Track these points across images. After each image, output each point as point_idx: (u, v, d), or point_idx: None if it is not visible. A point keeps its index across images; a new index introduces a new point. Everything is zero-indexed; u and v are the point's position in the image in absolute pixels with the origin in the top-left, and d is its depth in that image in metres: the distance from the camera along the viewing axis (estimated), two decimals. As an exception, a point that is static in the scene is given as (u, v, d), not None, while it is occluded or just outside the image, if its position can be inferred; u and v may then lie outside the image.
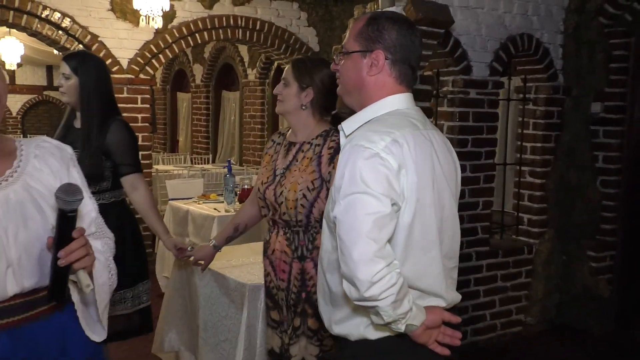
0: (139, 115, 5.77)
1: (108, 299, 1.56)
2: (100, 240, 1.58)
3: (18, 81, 14.00)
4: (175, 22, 6.02)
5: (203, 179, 7.02)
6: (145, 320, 2.93)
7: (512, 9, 4.09)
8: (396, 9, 3.46)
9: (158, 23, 5.70)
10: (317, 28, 6.71)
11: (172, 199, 5.55)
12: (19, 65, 9.97)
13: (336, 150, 2.18)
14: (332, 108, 2.35)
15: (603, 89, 4.31)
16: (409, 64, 1.67)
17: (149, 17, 5.64)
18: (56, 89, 15.55)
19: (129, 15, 5.74)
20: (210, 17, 6.18)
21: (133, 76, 5.76)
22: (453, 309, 1.71)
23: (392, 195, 1.49)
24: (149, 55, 5.88)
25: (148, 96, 5.97)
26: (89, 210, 1.57)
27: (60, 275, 1.36)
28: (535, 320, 4.46)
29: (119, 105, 2.97)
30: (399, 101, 1.66)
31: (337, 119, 2.29)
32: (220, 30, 6.27)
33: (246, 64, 8.67)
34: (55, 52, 6.88)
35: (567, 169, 4.47)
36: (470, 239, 4.08)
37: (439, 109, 4.04)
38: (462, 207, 3.95)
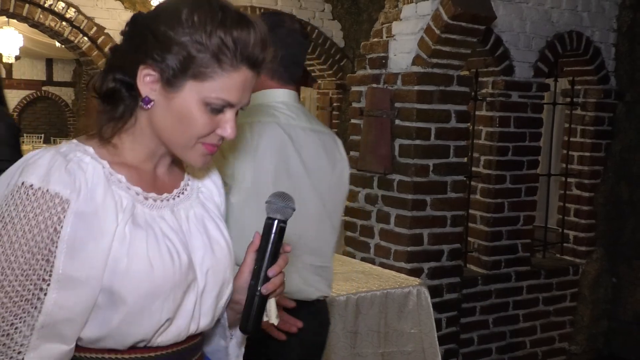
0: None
1: None
2: None
3: (15, 75, 14.25)
4: (188, 14, 6.09)
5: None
6: None
7: (560, 4, 4.09)
8: (432, 3, 3.49)
9: (170, 14, 5.75)
10: (342, 21, 6.72)
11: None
12: (17, 57, 10.15)
13: None
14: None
15: (660, 93, 4.30)
16: (280, 62, 1.94)
17: (160, 7, 5.71)
18: (56, 84, 15.46)
19: (139, 5, 5.81)
20: (226, 8, 6.23)
21: (141, 72, 5.86)
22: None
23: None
24: (158, 50, 5.96)
25: (156, 94, 6.04)
26: None
27: (263, 301, 1.22)
28: (580, 349, 4.43)
29: None
30: (268, 95, 2.00)
31: None
32: (237, 23, 6.33)
33: (264, 60, 8.73)
34: (57, 44, 7.00)
35: (618, 182, 4.44)
36: (509, 257, 4.06)
37: (477, 112, 4.04)
38: (501, 222, 4.02)
